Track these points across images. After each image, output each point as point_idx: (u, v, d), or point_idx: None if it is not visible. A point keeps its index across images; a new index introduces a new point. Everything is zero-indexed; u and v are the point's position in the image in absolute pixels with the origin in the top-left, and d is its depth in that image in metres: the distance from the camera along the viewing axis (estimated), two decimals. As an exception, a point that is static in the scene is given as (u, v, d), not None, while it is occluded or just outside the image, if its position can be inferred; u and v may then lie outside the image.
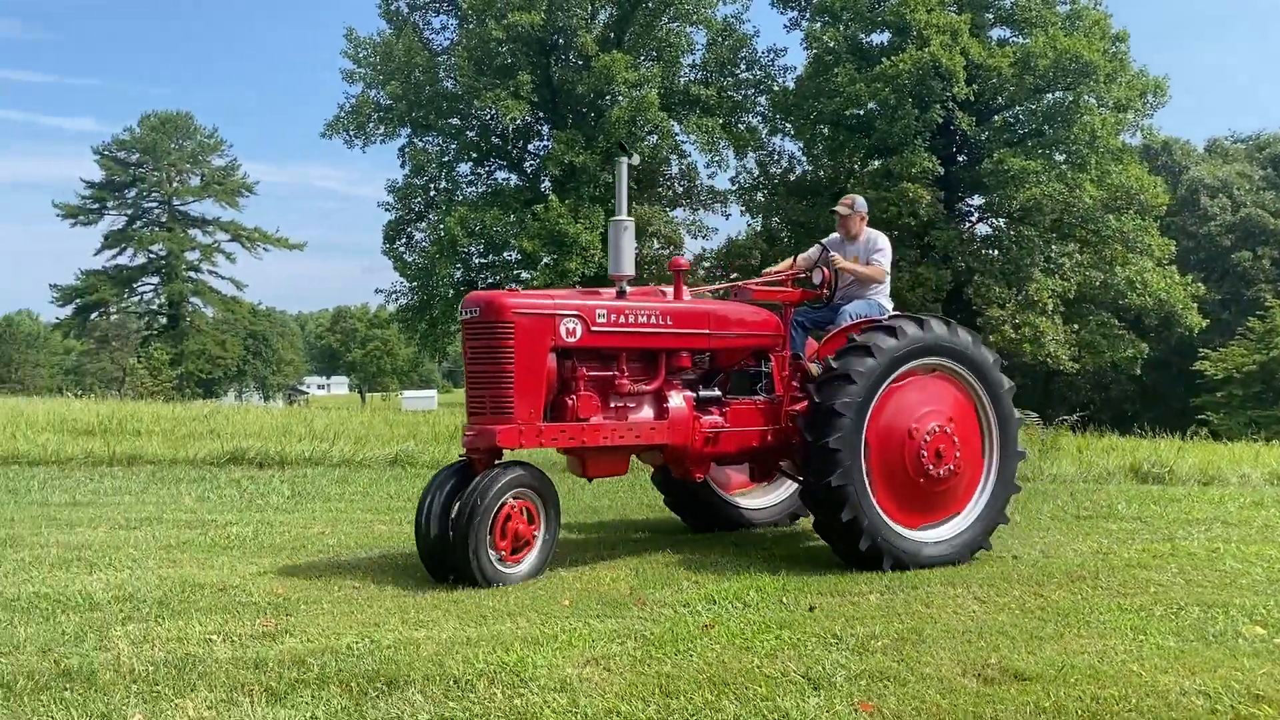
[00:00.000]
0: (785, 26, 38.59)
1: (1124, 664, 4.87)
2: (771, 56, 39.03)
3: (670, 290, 7.47)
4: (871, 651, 5.09)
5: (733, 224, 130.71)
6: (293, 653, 4.97)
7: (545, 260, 35.11)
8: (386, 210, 39.52)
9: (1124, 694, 4.46)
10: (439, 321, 38.42)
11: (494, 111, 35.14)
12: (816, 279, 7.73)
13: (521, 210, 35.40)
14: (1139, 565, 7.19)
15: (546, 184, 37.81)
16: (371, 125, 38.40)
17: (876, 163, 35.45)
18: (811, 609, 5.93)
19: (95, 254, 65.14)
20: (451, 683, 4.56)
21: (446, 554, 6.35)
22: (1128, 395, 48.78)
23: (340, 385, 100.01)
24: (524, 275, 38.72)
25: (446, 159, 39.30)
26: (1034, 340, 33.08)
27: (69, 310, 64.69)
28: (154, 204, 65.87)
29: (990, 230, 37.95)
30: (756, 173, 39.27)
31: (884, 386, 6.85)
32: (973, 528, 7.19)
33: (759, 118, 39.40)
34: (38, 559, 7.20)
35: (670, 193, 39.98)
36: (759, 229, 39.55)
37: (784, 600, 6.14)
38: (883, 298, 7.95)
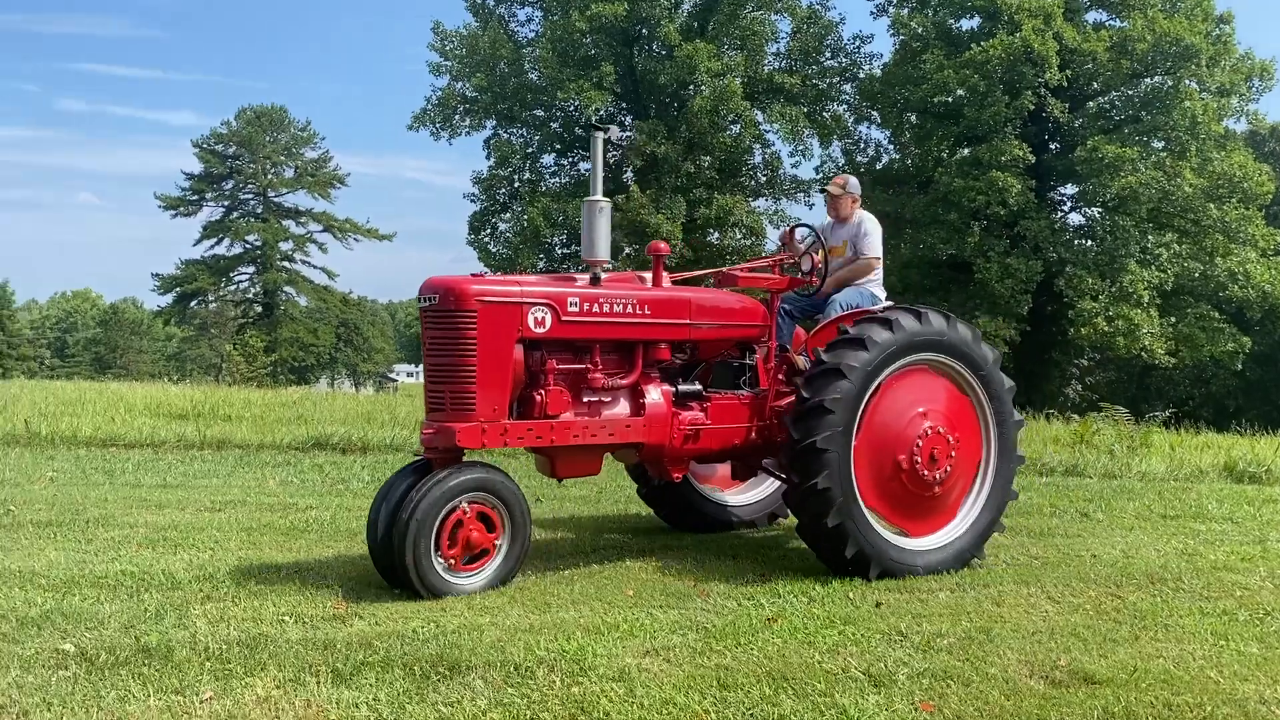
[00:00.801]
0: (872, 13, 37.86)
1: (1201, 670, 4.71)
2: (857, 44, 38.51)
3: (650, 277, 6.97)
4: (936, 650, 5.01)
5: (816, 213, 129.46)
6: (360, 635, 5.09)
7: (626, 250, 35.22)
8: (472, 201, 40.12)
9: (1199, 701, 4.31)
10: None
11: (577, 102, 35.33)
12: (805, 266, 7.29)
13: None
14: (1225, 568, 6.93)
15: (629, 174, 37.91)
16: (457, 118, 38.96)
17: (965, 151, 34.69)
18: (878, 605, 5.86)
19: (195, 244, 67.26)
20: (512, 669, 4.61)
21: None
22: (1229, 391, 46.90)
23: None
24: (608, 264, 38.89)
25: (530, 150, 39.68)
26: (1128, 333, 32.05)
27: (170, 298, 66.95)
28: (250, 195, 67.80)
29: (1083, 220, 36.86)
30: (841, 161, 38.79)
31: (877, 382, 6.44)
32: (966, 535, 6.77)
33: (844, 106, 38.93)
34: (126, 538, 7.49)
35: (752, 182, 39.73)
36: (843, 219, 39.03)
37: (849, 595, 6.07)
38: (875, 287, 7.54)
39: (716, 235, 37.75)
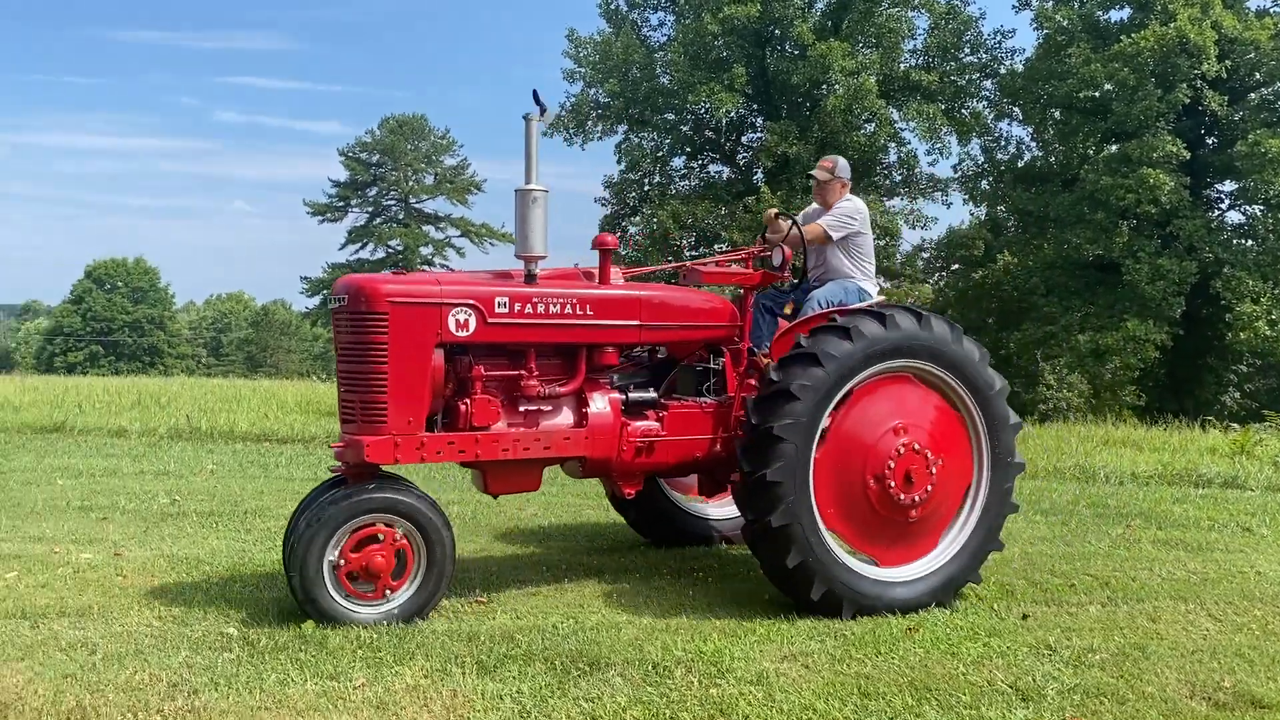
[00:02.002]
0: (1014, 7, 36.60)
1: (1383, 699, 4.40)
2: (998, 39, 37.28)
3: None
4: (1088, 665, 4.83)
5: (954, 213, 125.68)
6: (502, 629, 5.23)
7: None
8: (602, 205, 40.55)
9: (1382, 732, 4.03)
10: (652, 313, 38.92)
11: (708, 105, 35.31)
12: (776, 260, 6.59)
13: (733, 202, 35.45)
14: None
15: (759, 176, 37.68)
16: (590, 123, 39.44)
17: (1113, 147, 33.19)
18: (1025, 617, 5.68)
19: (340, 248, 69.90)
20: (650, 668, 4.66)
21: None
22: None
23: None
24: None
25: (660, 154, 39.86)
26: (1293, 338, 30.12)
27: (317, 300, 69.84)
28: (392, 202, 70.17)
29: (1243, 218, 34.79)
30: (981, 159, 37.66)
31: (836, 400, 5.72)
32: (958, 559, 5.98)
33: (984, 102, 37.75)
34: (282, 529, 7.85)
35: (887, 181, 38.97)
36: (983, 218, 37.95)
37: (994, 607, 5.90)
38: (864, 281, 6.70)
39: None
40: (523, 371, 5.79)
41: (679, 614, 5.62)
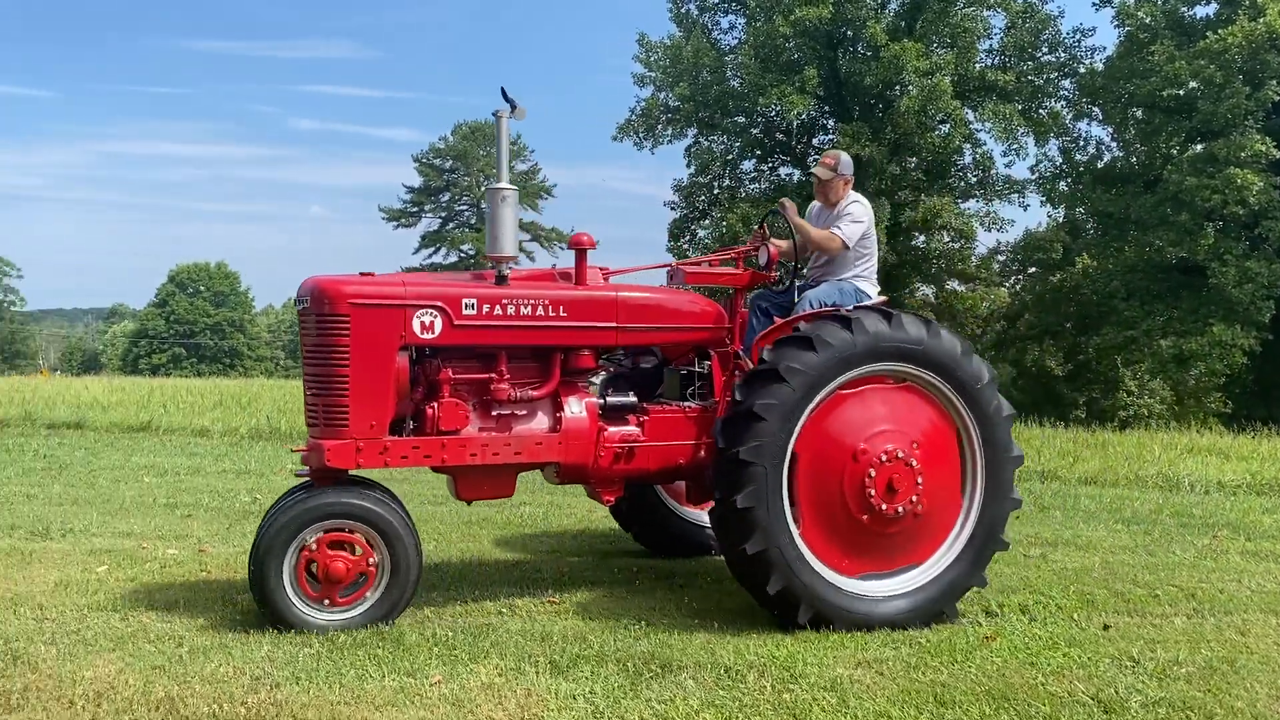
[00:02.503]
0: (1094, 4, 35.67)
1: None
2: (1077, 37, 36.45)
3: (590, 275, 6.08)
4: (1174, 679, 4.70)
5: (1031, 215, 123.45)
6: (575, 629, 5.27)
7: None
8: (671, 209, 40.56)
9: None
10: (722, 317, 38.87)
11: (779, 107, 35.14)
12: (761, 260, 6.28)
13: (804, 206, 35.23)
14: None
15: (831, 178, 37.37)
16: (660, 127, 39.50)
17: (1198, 147, 32.24)
18: (1106, 628, 5.54)
19: (414, 253, 71.00)
20: (723, 671, 4.66)
21: None
22: None
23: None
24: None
25: (730, 157, 39.75)
26: (1391, 344, 28.94)
27: (390, 304, 70.94)
28: (464, 207, 71.07)
29: (1337, 219, 33.50)
30: (1059, 160, 36.85)
31: (826, 391, 5.44)
32: (936, 584, 5.63)
33: (1063, 102, 36.93)
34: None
35: (962, 183, 38.35)
36: (1061, 220, 37.14)
37: (1074, 617, 5.77)
38: (864, 282, 6.33)
39: (923, 239, 36.69)
40: (493, 375, 5.63)
41: (750, 618, 5.59)
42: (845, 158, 6.58)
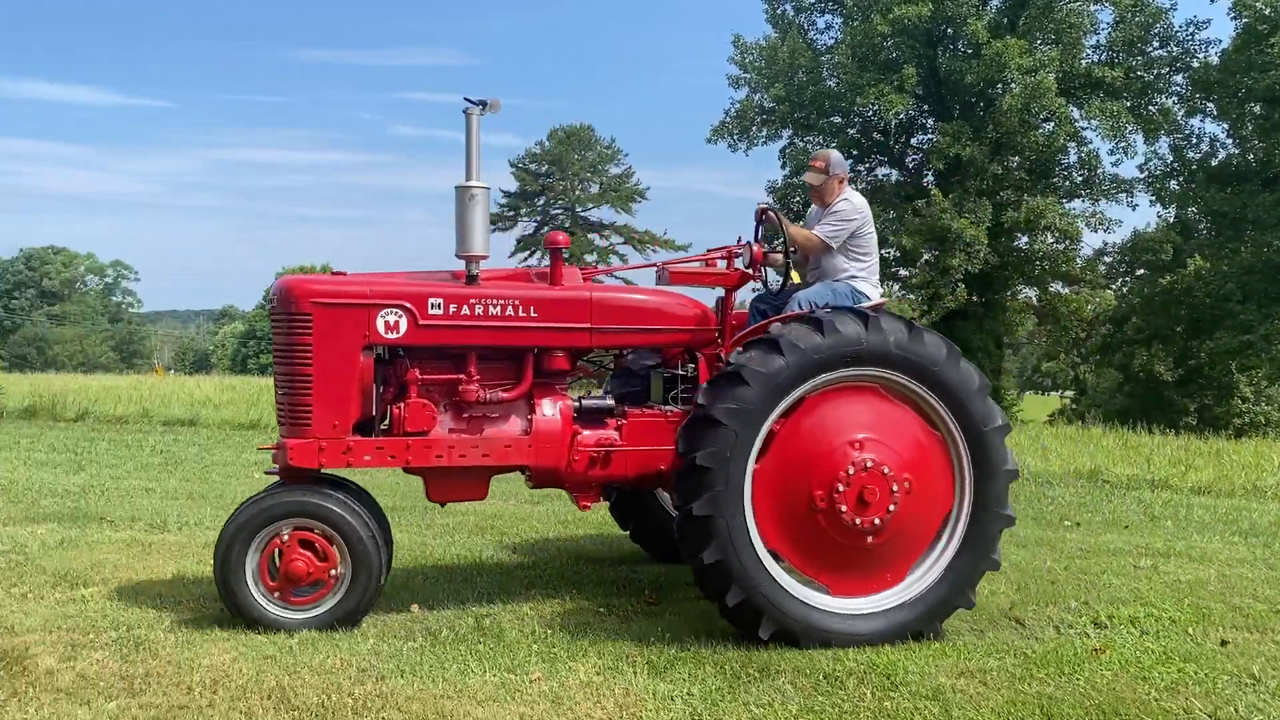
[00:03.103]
0: (1209, -5, 34.42)
1: None
2: (1190, 30, 35.12)
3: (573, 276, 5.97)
4: (1298, 699, 4.48)
5: (1140, 215, 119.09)
6: (672, 630, 5.27)
7: (925, 257, 34.11)
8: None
9: None
10: (815, 320, 38.50)
11: (876, 107, 34.66)
12: (744, 260, 6.04)
13: (902, 206, 34.67)
14: None
15: (930, 178, 36.70)
16: (754, 129, 39.34)
17: (1322, 142, 30.80)
18: (1223, 644, 5.32)
19: (510, 256, 72.02)
20: (821, 677, 4.61)
21: None
22: None
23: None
24: (902, 272, 37.92)
25: (827, 158, 39.38)
26: None
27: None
28: (559, 211, 71.80)
29: None
30: (1170, 158, 35.54)
31: (794, 396, 5.16)
32: (914, 605, 5.28)
33: (1174, 98, 35.62)
34: (459, 525, 8.18)
35: (1066, 183, 37.27)
36: (1172, 220, 35.78)
37: (1189, 631, 5.56)
38: (862, 282, 5.96)
39: (1025, 240, 35.74)
40: (462, 376, 5.55)
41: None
42: (835, 157, 6.25)
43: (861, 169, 39.93)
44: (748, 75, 39.07)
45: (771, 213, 6.17)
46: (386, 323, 5.35)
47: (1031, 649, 5.14)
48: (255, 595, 5.15)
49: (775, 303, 6.13)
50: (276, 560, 5.16)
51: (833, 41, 38.75)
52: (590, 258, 71.15)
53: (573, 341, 5.69)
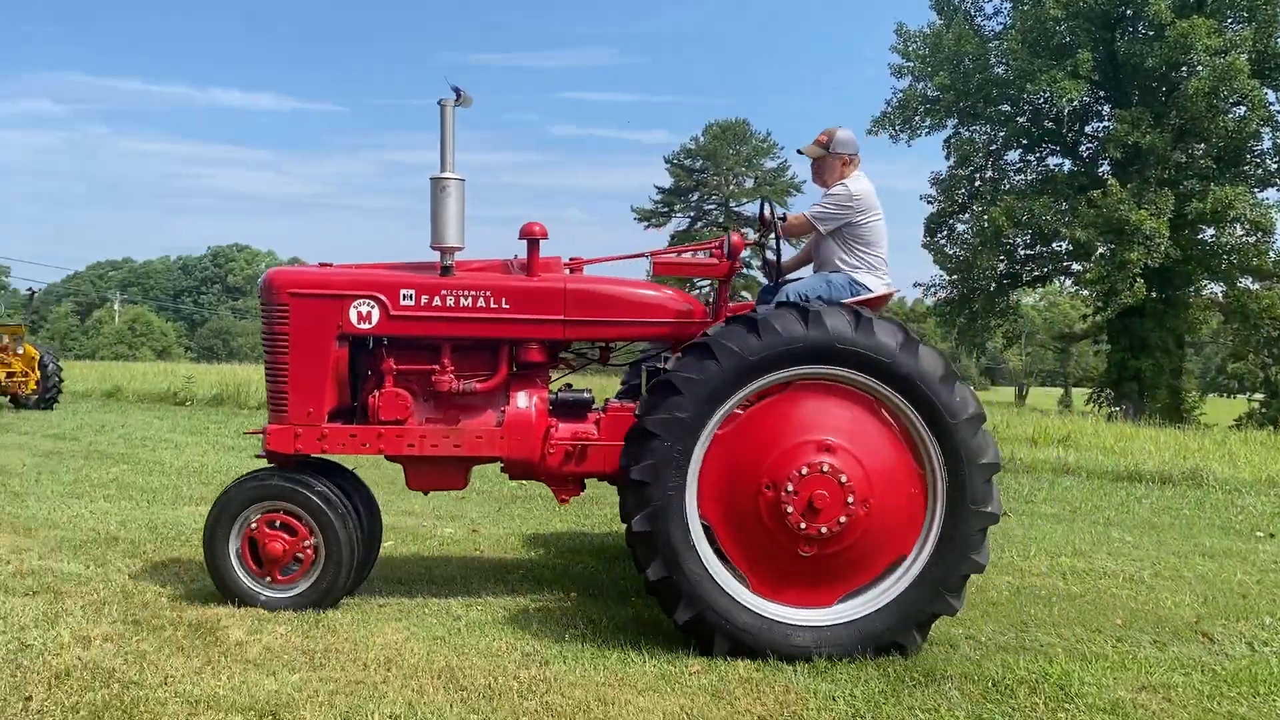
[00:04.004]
0: None
1: None
2: (1407, 0, 32.24)
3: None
4: None
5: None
6: (832, 630, 5.17)
7: (1100, 250, 32.48)
8: (928, 203, 39.25)
9: None
10: (979, 315, 37.33)
11: (1049, 94, 33.21)
12: (725, 248, 5.77)
13: (1075, 197, 33.12)
14: None
15: (1105, 167, 34.94)
16: (917, 118, 38.33)
17: None
18: None
19: (752, 256, 72.63)
20: (990, 685, 4.45)
21: None
22: None
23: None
24: (1075, 267, 36.24)
25: (994, 147, 37.99)
26: None
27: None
28: (713, 206, 71.79)
29: None
30: (1378, 144, 32.75)
31: (733, 401, 4.86)
32: (882, 616, 4.84)
33: (1385, 77, 32.79)
34: (616, 515, 8.26)
35: (1259, 170, 34.79)
36: (1379, 209, 32.97)
37: (1404, 655, 5.10)
38: (862, 273, 5.54)
39: (1212, 232, 33.57)
40: (434, 366, 5.55)
41: (1020, 632, 5.33)
42: (842, 135, 5.81)
43: (1031, 159, 38.42)
44: (911, 64, 38.12)
45: (764, 200, 5.93)
46: (359, 313, 5.44)
47: (1221, 666, 4.82)
48: (238, 575, 5.33)
49: (775, 297, 5.80)
50: (256, 541, 5.31)
51: (1001, 27, 37.40)
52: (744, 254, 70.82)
53: (545, 334, 5.60)
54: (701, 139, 71.61)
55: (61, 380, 20.26)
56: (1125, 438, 17.40)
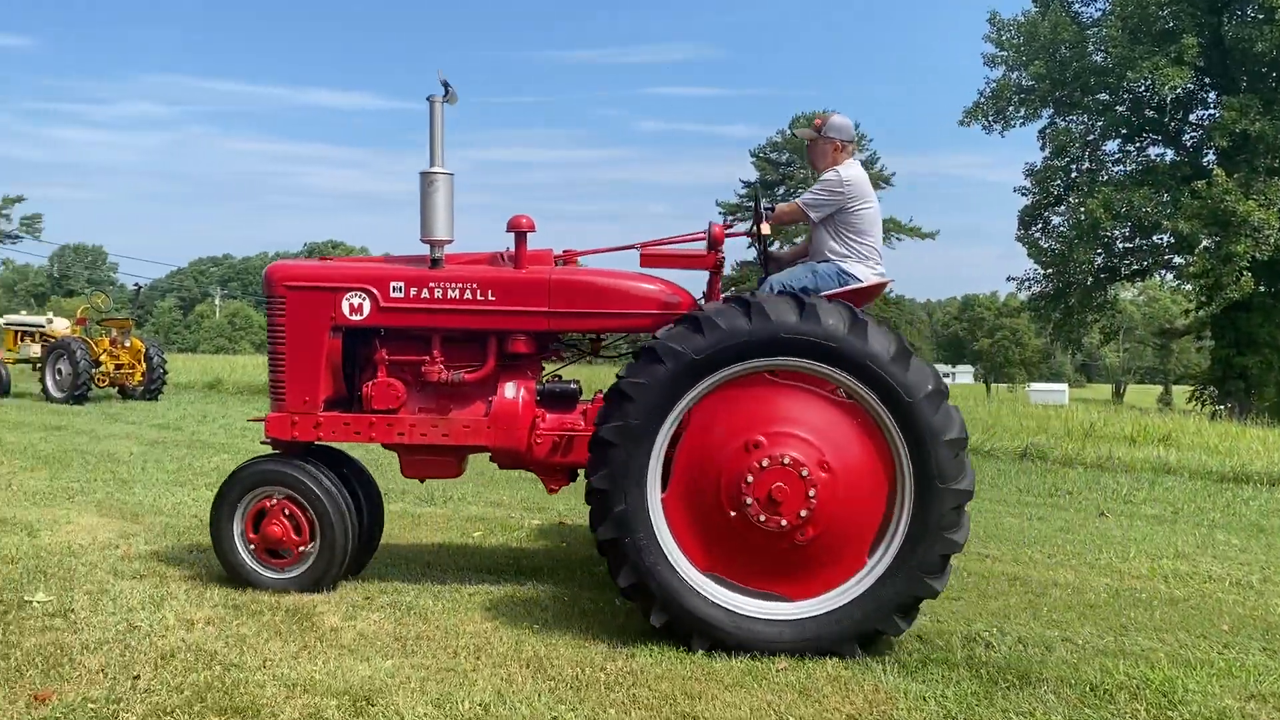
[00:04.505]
0: None
1: None
2: None
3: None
4: None
5: None
6: (923, 630, 5.10)
7: (1205, 243, 31.28)
8: (1023, 195, 38.26)
9: None
10: (1075, 310, 36.30)
11: (1150, 81, 32.09)
12: (708, 239, 5.70)
13: (1177, 188, 31.94)
14: None
15: (1210, 157, 33.63)
16: (1011, 109, 37.41)
17: None
18: None
19: (748, 246, 72.19)
20: (1088, 689, 4.33)
21: None
22: None
23: (965, 374, 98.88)
24: (1176, 260, 35.01)
25: (1091, 137, 36.86)
26: None
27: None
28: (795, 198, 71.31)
29: None
30: None
31: (686, 402, 4.82)
32: (860, 604, 4.72)
33: None
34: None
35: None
36: None
37: None
38: (853, 263, 5.40)
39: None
40: (425, 357, 5.66)
41: (1119, 635, 5.17)
42: (837, 120, 5.73)
43: (1131, 149, 37.19)
44: (1005, 53, 37.22)
45: (756, 189, 5.74)
46: (351, 305, 5.61)
47: (1337, 677, 4.60)
48: (242, 554, 5.54)
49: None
50: (259, 524, 5.51)
51: (1100, 13, 36.26)
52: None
53: (531, 325, 5.62)
54: (788, 131, 70.98)
55: (166, 372, 21.05)
56: (1231, 437, 16.77)
